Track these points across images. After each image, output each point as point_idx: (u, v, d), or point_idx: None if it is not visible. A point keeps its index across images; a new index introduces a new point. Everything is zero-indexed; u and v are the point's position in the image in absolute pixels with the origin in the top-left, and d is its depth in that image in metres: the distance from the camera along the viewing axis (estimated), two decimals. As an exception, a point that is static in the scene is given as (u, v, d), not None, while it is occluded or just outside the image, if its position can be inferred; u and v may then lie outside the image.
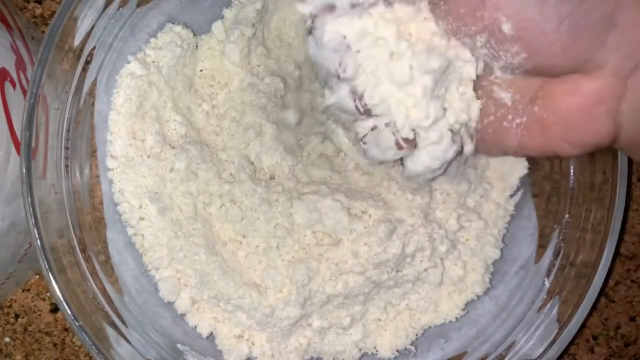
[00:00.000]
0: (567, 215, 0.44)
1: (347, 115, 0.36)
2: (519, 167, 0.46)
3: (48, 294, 0.51)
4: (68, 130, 0.42)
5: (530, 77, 0.32)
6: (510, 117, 0.34)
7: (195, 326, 0.44)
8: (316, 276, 0.42)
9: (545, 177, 0.46)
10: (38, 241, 0.38)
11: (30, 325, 0.51)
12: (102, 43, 0.42)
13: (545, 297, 0.44)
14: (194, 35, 0.45)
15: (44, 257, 0.38)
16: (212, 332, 0.44)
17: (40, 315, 0.51)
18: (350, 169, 0.44)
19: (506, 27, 0.29)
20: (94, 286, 0.42)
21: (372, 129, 0.35)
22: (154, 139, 0.43)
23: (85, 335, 0.39)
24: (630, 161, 0.41)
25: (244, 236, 0.43)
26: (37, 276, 0.51)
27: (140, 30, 0.44)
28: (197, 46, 0.45)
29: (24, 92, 0.41)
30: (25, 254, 0.45)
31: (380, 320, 0.45)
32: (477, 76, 0.34)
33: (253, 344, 0.44)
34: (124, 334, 0.42)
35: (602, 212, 0.42)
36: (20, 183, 0.38)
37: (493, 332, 0.45)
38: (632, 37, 0.29)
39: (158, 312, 0.44)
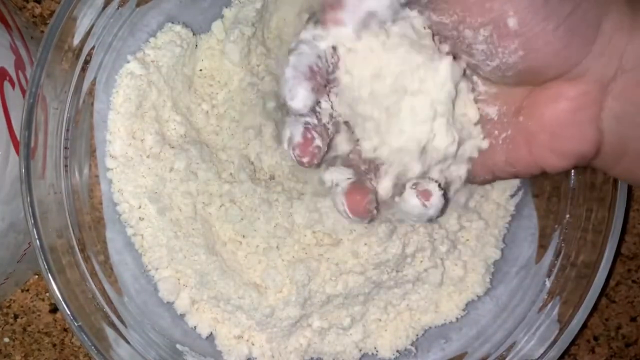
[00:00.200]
0: (567, 216, 0.44)
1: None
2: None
3: (47, 294, 0.50)
4: (67, 130, 0.42)
5: (515, 87, 0.33)
6: (496, 132, 0.34)
7: (194, 326, 0.44)
8: (316, 276, 0.41)
9: (546, 177, 0.46)
10: (37, 241, 0.38)
11: (29, 326, 0.51)
12: (101, 42, 0.42)
13: (546, 297, 0.44)
14: (194, 34, 0.45)
15: (43, 257, 0.38)
16: (211, 333, 0.44)
17: (39, 315, 0.51)
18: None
19: (511, 22, 0.29)
20: (93, 286, 0.42)
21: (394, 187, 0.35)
22: (154, 139, 0.43)
23: (84, 336, 0.39)
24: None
25: (243, 236, 0.43)
26: (37, 276, 0.51)
27: (140, 30, 0.44)
28: (196, 46, 0.45)
29: (23, 91, 0.41)
30: (25, 254, 0.45)
31: (380, 320, 0.45)
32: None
33: (253, 344, 0.44)
34: (124, 334, 0.42)
35: (603, 212, 0.42)
36: (19, 183, 0.38)
37: (494, 333, 0.45)
38: (615, 42, 0.30)
39: (157, 313, 0.44)
